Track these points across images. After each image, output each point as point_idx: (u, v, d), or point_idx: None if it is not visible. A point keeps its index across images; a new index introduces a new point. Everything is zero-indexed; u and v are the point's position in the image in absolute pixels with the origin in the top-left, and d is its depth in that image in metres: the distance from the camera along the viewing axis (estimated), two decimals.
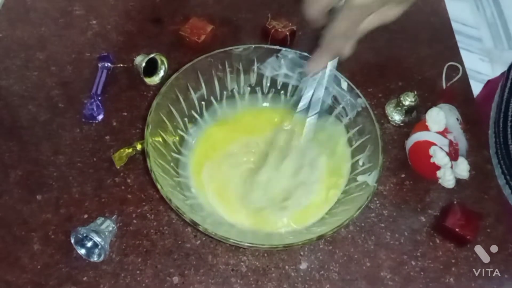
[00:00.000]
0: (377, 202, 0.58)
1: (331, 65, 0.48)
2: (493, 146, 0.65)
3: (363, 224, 0.56)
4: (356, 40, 0.43)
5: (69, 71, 0.66)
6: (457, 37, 0.75)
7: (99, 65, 0.65)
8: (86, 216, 0.54)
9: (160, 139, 0.52)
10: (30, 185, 0.56)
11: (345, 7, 0.39)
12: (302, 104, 0.52)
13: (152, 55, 0.63)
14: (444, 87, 0.68)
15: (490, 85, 0.79)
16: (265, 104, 0.61)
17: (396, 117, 0.64)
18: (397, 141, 0.63)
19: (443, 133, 0.57)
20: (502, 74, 0.73)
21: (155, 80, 0.65)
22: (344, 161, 0.56)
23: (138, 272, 0.52)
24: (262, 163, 0.56)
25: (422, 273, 0.54)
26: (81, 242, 0.52)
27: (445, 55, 0.72)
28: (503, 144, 0.64)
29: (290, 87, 0.59)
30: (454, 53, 0.72)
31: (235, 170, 0.56)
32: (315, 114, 0.52)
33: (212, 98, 0.59)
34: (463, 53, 0.72)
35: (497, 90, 0.71)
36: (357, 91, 0.54)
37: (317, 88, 0.50)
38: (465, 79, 0.70)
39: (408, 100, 0.62)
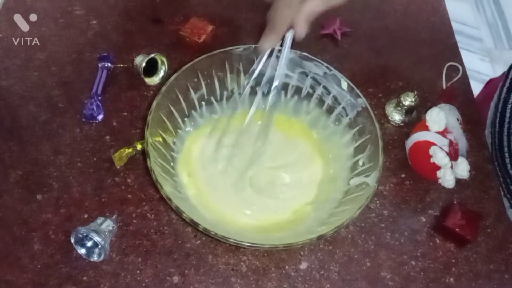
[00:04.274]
0: (377, 202, 0.58)
1: (287, 41, 0.47)
2: (488, 147, 0.65)
3: (363, 224, 0.56)
4: (308, 21, 0.43)
5: (69, 71, 0.66)
6: (457, 37, 0.75)
7: (99, 65, 0.65)
8: (86, 216, 0.54)
9: (160, 139, 0.52)
10: (30, 185, 0.56)
11: None
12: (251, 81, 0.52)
13: (152, 55, 0.63)
14: (444, 87, 0.68)
15: (491, 84, 0.79)
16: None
17: (396, 117, 0.64)
18: (397, 141, 0.63)
19: (443, 133, 0.57)
20: (503, 74, 0.73)
21: (155, 80, 0.65)
22: (342, 167, 0.56)
23: (138, 271, 0.52)
24: (248, 160, 0.56)
25: (422, 273, 0.54)
26: (81, 242, 0.52)
27: (445, 55, 0.72)
28: (498, 145, 0.64)
29: (290, 87, 0.59)
30: (454, 53, 0.72)
31: (228, 168, 0.57)
32: (272, 92, 0.52)
33: (212, 98, 0.59)
34: (463, 53, 0.72)
35: (497, 90, 0.71)
36: (357, 91, 0.54)
37: (272, 67, 0.50)
38: (465, 79, 0.70)
39: (408, 100, 0.62)
